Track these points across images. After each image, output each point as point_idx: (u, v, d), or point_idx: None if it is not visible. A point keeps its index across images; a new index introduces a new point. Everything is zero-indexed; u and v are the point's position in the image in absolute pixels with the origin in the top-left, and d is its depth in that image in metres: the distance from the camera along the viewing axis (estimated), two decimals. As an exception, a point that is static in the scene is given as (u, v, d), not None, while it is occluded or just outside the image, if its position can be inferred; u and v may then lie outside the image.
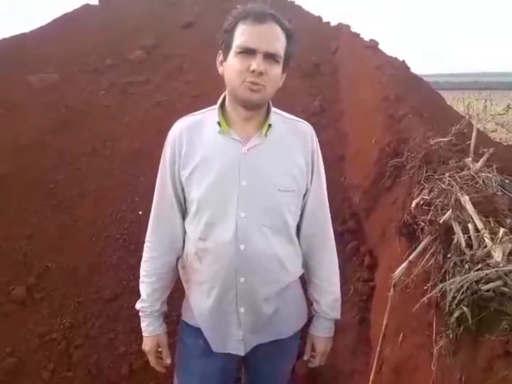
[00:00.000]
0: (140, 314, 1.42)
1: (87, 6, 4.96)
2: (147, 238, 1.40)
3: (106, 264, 2.80)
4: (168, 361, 1.43)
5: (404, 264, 1.62)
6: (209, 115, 1.29)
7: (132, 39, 4.54)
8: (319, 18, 5.31)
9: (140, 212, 3.03)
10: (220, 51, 1.24)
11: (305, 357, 1.50)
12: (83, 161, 3.35)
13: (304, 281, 1.50)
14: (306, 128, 1.35)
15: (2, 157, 3.18)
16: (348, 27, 4.96)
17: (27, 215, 2.96)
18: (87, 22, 4.68)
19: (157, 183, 1.35)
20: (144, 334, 1.41)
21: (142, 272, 1.41)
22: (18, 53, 4.10)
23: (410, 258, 1.61)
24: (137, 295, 2.62)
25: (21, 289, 2.59)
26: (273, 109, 1.29)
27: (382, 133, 2.84)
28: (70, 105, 3.74)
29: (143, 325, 1.41)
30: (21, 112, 3.55)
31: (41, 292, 2.64)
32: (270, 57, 1.15)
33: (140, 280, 1.42)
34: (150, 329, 1.39)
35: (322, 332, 1.45)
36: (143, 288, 1.40)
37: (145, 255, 1.40)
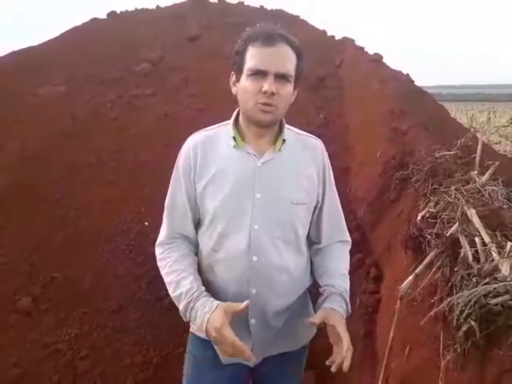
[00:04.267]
0: (188, 309, 1.19)
1: (94, 20, 5.04)
2: (166, 244, 1.33)
3: (112, 275, 2.81)
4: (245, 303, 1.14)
5: (411, 277, 1.62)
6: (222, 131, 1.32)
7: (139, 52, 4.60)
8: (323, 32, 5.38)
9: (146, 223, 3.05)
10: (233, 72, 1.27)
11: (313, 319, 1.20)
12: (89, 172, 3.38)
13: (312, 294, 1.49)
14: (316, 143, 1.38)
15: (9, 167, 3.21)
16: (352, 40, 5.02)
17: (33, 225, 2.98)
18: (94, 36, 4.75)
19: (168, 196, 1.36)
20: (204, 321, 1.13)
21: (176, 272, 1.25)
22: (26, 65, 4.16)
23: (417, 271, 1.61)
24: (143, 306, 2.67)
25: (26, 299, 2.60)
26: (285, 125, 1.32)
27: (387, 146, 2.86)
28: (77, 117, 3.79)
29: (197, 315, 1.15)
30: (29, 123, 3.59)
31: (47, 302, 2.65)
32: (281, 77, 1.18)
33: (176, 281, 1.23)
34: (209, 305, 1.15)
35: (339, 307, 1.24)
36: (183, 284, 1.21)
37: (172, 258, 1.29)
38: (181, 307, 1.21)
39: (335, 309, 1.23)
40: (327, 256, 1.41)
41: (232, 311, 1.13)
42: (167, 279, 1.27)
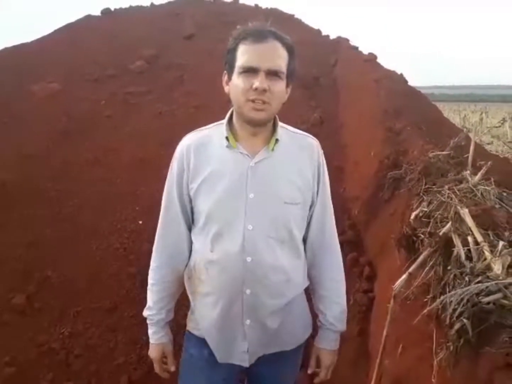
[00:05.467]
0: (147, 321, 1.42)
1: (89, 17, 5.02)
2: (154, 248, 1.40)
3: (106, 274, 2.80)
4: (172, 368, 1.45)
5: (404, 276, 1.63)
6: (216, 130, 1.31)
7: (134, 50, 4.59)
8: (318, 32, 5.39)
9: (140, 222, 3.04)
10: (225, 71, 1.27)
11: (309, 371, 1.46)
12: (84, 171, 3.37)
13: (309, 294, 1.50)
14: (312, 141, 1.37)
15: (4, 165, 3.19)
16: (347, 40, 5.04)
17: (28, 223, 2.96)
18: (89, 33, 4.73)
19: (164, 197, 1.37)
20: (150, 341, 1.42)
21: (150, 280, 1.41)
22: (20, 62, 4.14)
23: (410, 270, 1.62)
24: (137, 305, 2.66)
25: (20, 297, 2.59)
26: (280, 123, 1.32)
27: (381, 145, 2.87)
28: (72, 115, 3.77)
29: (150, 332, 1.42)
30: (23, 121, 3.57)
31: (41, 301, 2.64)
32: (272, 74, 1.17)
33: (148, 287, 1.42)
34: (156, 337, 1.41)
35: (328, 345, 1.43)
36: (150, 296, 1.41)
37: (152, 263, 1.40)
38: (145, 310, 1.42)
39: (325, 348, 1.43)
40: (320, 266, 1.42)
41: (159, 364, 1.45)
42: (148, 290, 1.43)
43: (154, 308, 1.39)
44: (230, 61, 1.22)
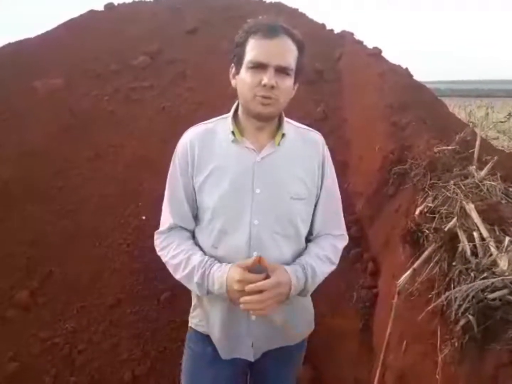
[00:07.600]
0: (204, 279, 1.20)
1: (92, 12, 5.00)
2: (163, 234, 1.33)
3: (109, 269, 2.80)
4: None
5: (409, 272, 1.62)
6: (221, 124, 1.30)
7: (136, 45, 4.56)
8: (322, 26, 5.34)
9: (144, 217, 3.04)
10: (232, 64, 1.25)
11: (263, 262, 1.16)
12: (87, 167, 3.36)
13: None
14: (317, 136, 1.37)
15: (6, 162, 3.20)
16: (351, 34, 4.98)
17: (30, 220, 2.97)
18: (92, 28, 4.71)
19: (167, 189, 1.34)
20: (223, 282, 1.16)
21: (183, 251, 1.25)
22: (22, 58, 4.13)
23: (415, 265, 1.62)
24: (141, 300, 2.67)
25: (24, 293, 2.60)
26: (285, 118, 1.31)
27: (385, 140, 2.85)
28: (74, 111, 3.76)
29: (214, 280, 1.18)
30: (26, 117, 3.57)
31: (44, 297, 2.65)
32: (281, 70, 1.16)
33: (185, 259, 1.24)
34: (222, 270, 1.18)
35: (291, 272, 1.20)
36: (193, 259, 1.23)
37: (175, 243, 1.28)
38: (196, 279, 1.21)
39: (288, 272, 1.19)
40: (313, 243, 1.35)
41: (245, 266, 1.16)
42: (173, 261, 1.26)
43: (204, 259, 1.22)
44: (238, 54, 1.21)
